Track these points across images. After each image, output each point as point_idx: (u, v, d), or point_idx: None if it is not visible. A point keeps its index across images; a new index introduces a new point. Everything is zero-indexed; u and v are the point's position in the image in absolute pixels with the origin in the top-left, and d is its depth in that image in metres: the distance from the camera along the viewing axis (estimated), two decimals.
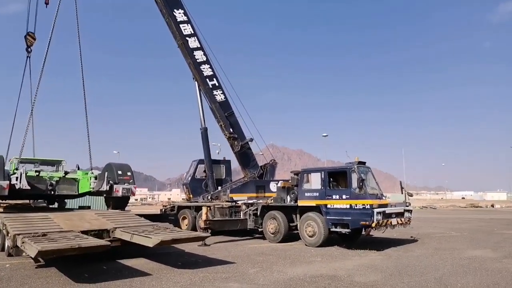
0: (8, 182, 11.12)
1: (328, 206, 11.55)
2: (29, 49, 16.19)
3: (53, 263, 8.69)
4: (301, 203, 12.26)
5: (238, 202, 15.04)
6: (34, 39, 16.19)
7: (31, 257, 7.85)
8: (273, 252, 10.71)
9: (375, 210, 10.65)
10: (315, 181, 12.13)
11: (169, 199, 76.00)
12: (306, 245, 11.81)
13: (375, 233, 13.24)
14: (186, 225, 16.02)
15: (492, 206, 61.67)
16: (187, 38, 17.20)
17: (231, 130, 17.19)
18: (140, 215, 12.55)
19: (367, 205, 10.80)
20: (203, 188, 17.62)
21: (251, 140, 17.59)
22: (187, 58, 17.31)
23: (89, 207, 16.56)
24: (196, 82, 17.67)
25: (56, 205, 15.66)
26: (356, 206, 11.00)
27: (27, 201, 16.03)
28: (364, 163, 12.03)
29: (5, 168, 11.91)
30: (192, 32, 17.34)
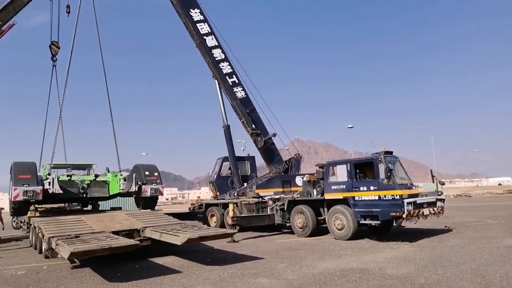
0: (41, 187, 11.55)
1: (356, 198, 11.31)
2: (54, 58, 16.79)
3: (87, 264, 8.97)
4: (328, 196, 12.08)
5: (264, 198, 15.02)
6: (58, 48, 16.76)
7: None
8: (301, 247, 10.61)
9: (405, 201, 10.33)
10: (341, 173, 11.90)
11: (199, 197, 77.04)
12: (335, 238, 11.64)
13: (407, 224, 12.91)
14: (215, 222, 16.16)
15: None
16: (204, 37, 17.27)
17: (253, 126, 17.15)
18: (169, 214, 12.78)
19: (396, 195, 10.50)
20: (229, 185, 17.71)
21: (274, 135, 17.51)
22: (205, 57, 17.39)
23: (120, 208, 16.98)
24: (216, 80, 17.74)
25: (90, 207, 16.16)
26: (385, 197, 10.71)
27: (63, 204, 16.66)
28: (391, 152, 11.68)
29: (38, 174, 12.41)
30: (209, 30, 17.39)
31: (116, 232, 9.26)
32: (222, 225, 15.23)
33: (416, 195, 11.03)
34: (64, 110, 14.70)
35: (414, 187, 11.56)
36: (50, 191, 12.09)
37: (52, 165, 13.82)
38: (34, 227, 10.80)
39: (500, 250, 8.96)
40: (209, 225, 15.82)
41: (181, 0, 16.93)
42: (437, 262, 7.87)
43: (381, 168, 10.97)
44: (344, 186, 11.67)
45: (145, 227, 9.82)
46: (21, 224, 16.29)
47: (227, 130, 17.81)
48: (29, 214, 12.47)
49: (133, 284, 7.02)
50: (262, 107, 17.76)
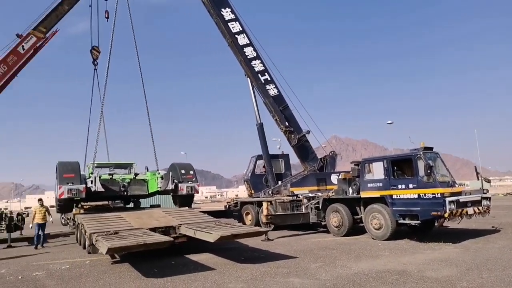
0: (84, 185, 12.14)
1: (394, 196, 10.89)
2: (95, 62, 17.60)
3: (126, 259, 9.32)
4: (364, 194, 11.73)
5: (299, 196, 14.86)
6: (99, 52, 17.56)
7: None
8: (337, 246, 10.38)
9: (447, 199, 9.80)
10: (377, 171, 11.50)
11: (237, 195, 77.97)
12: (372, 238, 11.27)
13: (450, 224, 12.29)
14: (250, 220, 16.24)
15: None
16: (236, 35, 17.35)
17: (286, 123, 17.01)
18: (205, 212, 13.00)
19: (437, 194, 9.98)
20: (264, 183, 17.71)
21: (308, 132, 17.26)
22: (237, 56, 17.47)
23: (159, 206, 17.51)
24: (248, 78, 17.77)
25: (131, 205, 16.80)
26: (425, 195, 10.22)
27: (107, 202, 17.45)
28: (431, 148, 11.13)
29: (82, 173, 13.05)
30: (241, 29, 17.44)
31: (153, 229, 9.55)
32: (257, 223, 15.26)
33: (459, 193, 10.43)
34: (107, 111, 15.37)
35: (456, 185, 10.95)
36: (93, 189, 12.68)
37: (96, 164, 14.49)
38: (78, 223, 11.38)
39: None
40: (244, 223, 15.95)
41: (213, 0, 17.10)
42: (482, 265, 7.39)
43: (420, 164, 10.48)
44: (381, 184, 11.28)
45: (181, 224, 10.05)
46: (68, 221, 17.25)
47: (260, 128, 17.80)
48: (74, 211, 13.18)
49: (168, 280, 7.19)
50: (296, 105, 17.58)
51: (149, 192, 15.11)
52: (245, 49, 17.40)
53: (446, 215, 9.77)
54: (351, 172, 12.69)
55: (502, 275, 6.55)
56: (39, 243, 12.83)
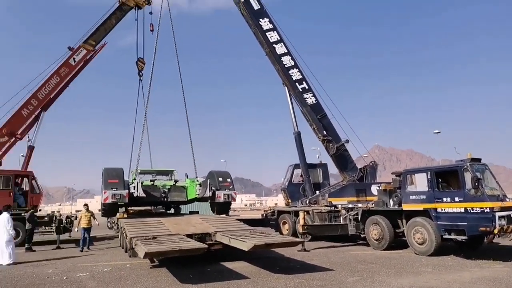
0: (127, 191, 12.65)
1: (438, 210, 10.33)
2: (141, 73, 18.46)
3: (165, 264, 9.56)
4: (406, 207, 11.23)
5: (337, 207, 14.53)
6: (144, 63, 18.43)
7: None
8: (376, 260, 9.99)
9: (497, 214, 9.15)
10: (420, 182, 10.99)
11: (276, 204, 77.67)
12: (415, 253, 10.73)
13: (501, 241, 11.44)
14: (287, 230, 16.07)
15: None
16: (273, 45, 17.48)
17: (324, 132, 16.79)
18: (241, 220, 13.06)
19: (486, 208, 9.35)
20: (301, 192, 17.51)
21: (347, 141, 16.92)
22: (275, 65, 17.58)
23: (197, 212, 17.85)
24: (286, 87, 17.79)
25: (172, 210, 17.27)
26: (472, 209, 9.61)
27: (149, 207, 18.08)
28: (479, 160, 10.47)
29: (126, 179, 13.64)
30: (279, 38, 17.56)
31: (189, 235, 9.73)
32: (294, 233, 15.08)
33: (510, 208, 9.70)
34: (151, 119, 16.01)
35: (507, 199, 10.19)
36: (135, 195, 13.20)
37: (139, 171, 15.08)
38: (121, 227, 11.86)
39: None
40: (281, 233, 15.82)
41: (251, 11, 17.39)
42: None
43: (467, 177, 9.88)
44: (424, 197, 10.75)
45: (216, 232, 10.15)
46: (113, 225, 18.02)
47: (298, 137, 17.70)
48: (118, 215, 13.75)
49: (202, 286, 7.28)
50: (335, 114, 17.34)
51: (188, 198, 15.47)
52: (283, 58, 17.49)
53: (495, 231, 9.13)
54: (392, 183, 12.23)
55: None
56: (85, 245, 13.48)
